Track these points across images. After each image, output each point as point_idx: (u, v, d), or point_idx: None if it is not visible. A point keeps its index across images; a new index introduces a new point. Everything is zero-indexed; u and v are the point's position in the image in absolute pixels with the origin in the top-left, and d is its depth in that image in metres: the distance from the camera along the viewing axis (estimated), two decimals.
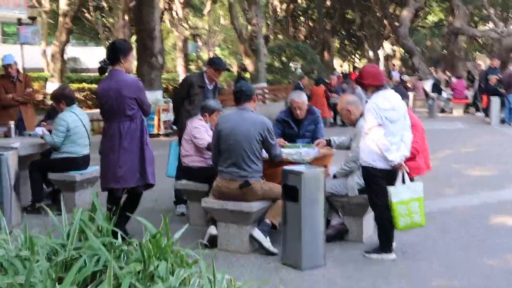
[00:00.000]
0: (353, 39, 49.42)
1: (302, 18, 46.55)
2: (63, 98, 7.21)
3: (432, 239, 6.12)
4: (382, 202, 5.33)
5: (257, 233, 5.48)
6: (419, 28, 48.08)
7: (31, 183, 7.28)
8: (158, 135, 15.36)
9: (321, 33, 35.29)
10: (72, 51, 54.49)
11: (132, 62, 5.49)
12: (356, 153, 5.59)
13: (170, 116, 15.60)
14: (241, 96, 5.58)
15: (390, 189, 5.25)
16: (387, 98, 5.24)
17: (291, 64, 32.08)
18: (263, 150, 5.60)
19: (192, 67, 62.28)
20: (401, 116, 5.29)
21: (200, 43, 44.22)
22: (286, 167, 5.27)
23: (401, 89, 7.22)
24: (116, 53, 5.39)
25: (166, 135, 15.51)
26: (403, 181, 5.31)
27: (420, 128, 6.59)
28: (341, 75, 20.08)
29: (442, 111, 22.00)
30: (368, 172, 5.33)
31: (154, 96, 15.79)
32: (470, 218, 6.94)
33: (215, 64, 7.24)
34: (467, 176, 9.75)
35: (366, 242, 5.89)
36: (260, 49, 22.03)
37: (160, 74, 16.62)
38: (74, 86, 26.97)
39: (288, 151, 6.23)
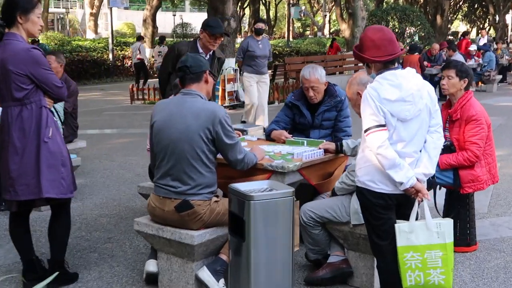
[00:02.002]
0: (483, 2, 44.88)
1: None
2: None
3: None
4: (386, 245, 3.39)
5: (206, 274, 3.74)
6: None
7: None
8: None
9: None
10: (187, 17, 54.62)
11: (37, 23, 3.87)
12: None
13: (237, 87, 14.04)
14: (184, 74, 3.80)
15: (397, 226, 3.30)
16: (396, 83, 3.24)
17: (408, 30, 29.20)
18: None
19: (307, 32, 60.21)
20: (421, 111, 3.28)
21: (303, 7, 42.02)
22: (233, 185, 3.46)
23: (461, 65, 4.86)
24: (12, 10, 3.79)
25: (232, 107, 13.94)
26: (418, 215, 3.34)
27: (484, 124, 4.47)
28: (446, 41, 17.34)
29: None
30: (365, 198, 3.39)
31: (227, 64, 14.22)
32: None
33: (210, 27, 5.46)
34: None
35: None
36: (357, 13, 19.63)
37: (233, 40, 14.98)
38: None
39: (278, 149, 4.39)
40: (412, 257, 3.26)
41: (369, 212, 3.39)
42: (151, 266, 4.04)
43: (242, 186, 3.43)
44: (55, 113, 5.85)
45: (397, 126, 3.24)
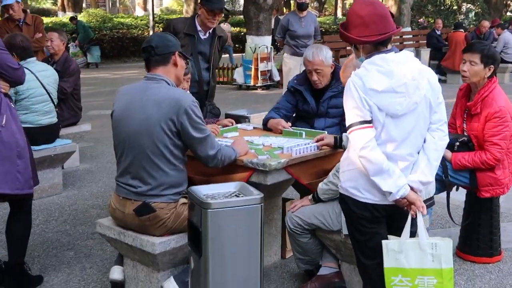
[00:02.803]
0: None
1: None
2: (14, 49, 5.36)
3: None
4: (373, 265, 2.83)
5: (172, 286, 3.26)
6: None
7: None
8: (255, 87, 13.27)
9: None
10: None
11: None
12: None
13: (271, 66, 13.44)
14: (149, 56, 3.27)
15: (385, 243, 2.73)
16: (387, 69, 2.64)
17: (464, 6, 27.78)
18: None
19: None
20: (417, 104, 2.67)
21: None
22: (193, 188, 2.94)
23: (488, 48, 3.99)
24: None
25: (266, 87, 13.37)
26: (413, 232, 2.75)
27: (509, 121, 3.79)
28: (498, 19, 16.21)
29: None
30: (348, 208, 2.83)
31: (262, 42, 13.61)
32: None
33: (207, 2, 4.89)
34: None
35: None
36: None
37: (269, 17, 14.30)
38: None
39: (268, 142, 3.84)
40: (401, 282, 2.69)
41: (353, 225, 2.83)
42: (116, 273, 3.59)
43: (204, 190, 2.92)
44: (49, 95, 5.44)
45: (386, 123, 2.65)
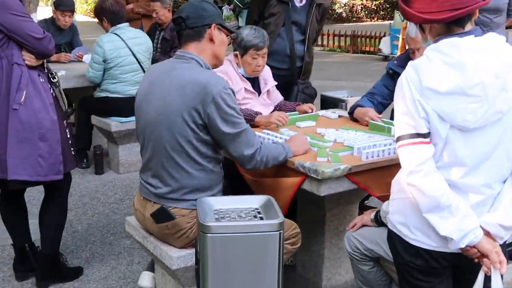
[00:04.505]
0: None
1: None
2: (104, 13, 5.06)
3: None
4: None
5: None
6: None
7: (77, 126, 5.50)
8: None
9: None
10: None
11: None
12: None
13: None
14: (180, 29, 2.66)
15: None
16: (456, 59, 1.80)
17: None
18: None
19: None
20: (503, 114, 1.81)
21: None
22: (204, 200, 2.33)
23: None
24: None
25: None
26: None
27: None
28: None
29: None
30: (395, 251, 2.05)
31: None
32: None
33: None
34: None
35: None
36: None
37: None
38: None
39: (342, 138, 3.09)
40: None
41: (402, 275, 2.05)
42: (145, 280, 3.13)
43: (219, 203, 2.30)
44: (139, 64, 5.08)
45: (451, 139, 1.83)
